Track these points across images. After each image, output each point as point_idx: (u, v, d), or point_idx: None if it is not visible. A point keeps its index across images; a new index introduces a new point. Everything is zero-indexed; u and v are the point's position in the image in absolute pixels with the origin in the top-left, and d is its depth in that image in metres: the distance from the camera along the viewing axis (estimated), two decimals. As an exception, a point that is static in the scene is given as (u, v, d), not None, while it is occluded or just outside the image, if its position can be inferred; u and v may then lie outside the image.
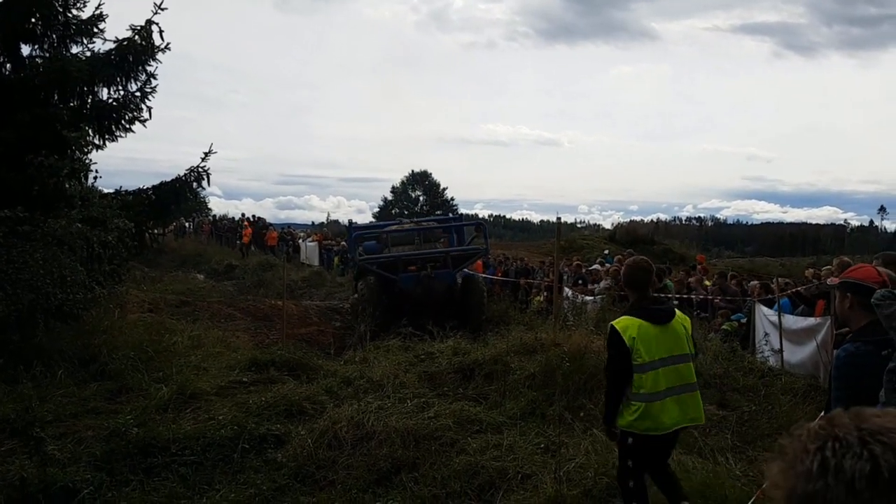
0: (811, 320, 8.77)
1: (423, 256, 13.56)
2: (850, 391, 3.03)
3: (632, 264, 4.38)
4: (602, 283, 14.74)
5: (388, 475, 5.37)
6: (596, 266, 18.87)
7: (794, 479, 0.87)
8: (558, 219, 12.45)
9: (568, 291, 14.22)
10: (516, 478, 5.16)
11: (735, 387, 7.37)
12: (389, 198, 63.09)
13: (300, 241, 31.68)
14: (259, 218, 34.67)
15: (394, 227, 15.90)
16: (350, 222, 21.82)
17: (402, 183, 62.85)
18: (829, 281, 5.09)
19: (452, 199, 61.09)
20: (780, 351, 8.79)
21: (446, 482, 5.17)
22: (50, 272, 7.52)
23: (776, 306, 9.51)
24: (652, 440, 4.13)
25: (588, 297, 13.43)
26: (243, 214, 36.22)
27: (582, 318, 10.38)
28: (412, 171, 63.03)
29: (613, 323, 4.19)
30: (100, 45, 9.72)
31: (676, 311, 4.31)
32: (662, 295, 12.72)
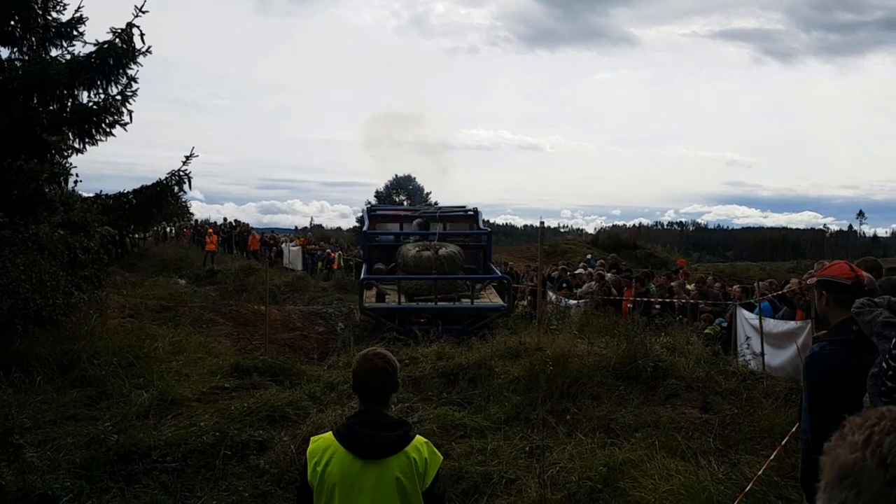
0: (791, 324, 8.85)
1: (437, 312, 13.04)
2: (816, 391, 3.06)
3: (361, 359, 2.76)
4: (585, 286, 14.81)
5: (371, 481, 5.34)
6: (580, 270, 18.97)
7: (842, 448, 0.91)
8: (542, 223, 12.44)
9: (552, 296, 14.27)
10: (500, 482, 5.16)
11: (717, 390, 7.41)
12: (373, 202, 63.06)
13: (283, 245, 31.54)
14: (240, 222, 34.53)
15: (411, 252, 14.36)
16: (368, 208, 21.87)
17: (386, 187, 62.86)
18: (808, 281, 5.16)
19: (436, 203, 61.19)
20: (762, 354, 8.86)
21: (430, 487, 5.15)
22: (29, 277, 7.43)
23: (757, 310, 9.59)
24: None
25: (572, 301, 13.49)
26: (225, 219, 36.06)
27: (566, 322, 10.40)
28: (396, 175, 63.12)
29: (312, 439, 2.72)
30: (80, 48, 9.65)
31: (416, 446, 2.64)
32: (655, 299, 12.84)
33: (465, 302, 13.80)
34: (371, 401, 2.70)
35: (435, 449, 2.70)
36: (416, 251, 14.36)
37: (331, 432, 2.68)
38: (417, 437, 2.67)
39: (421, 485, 2.58)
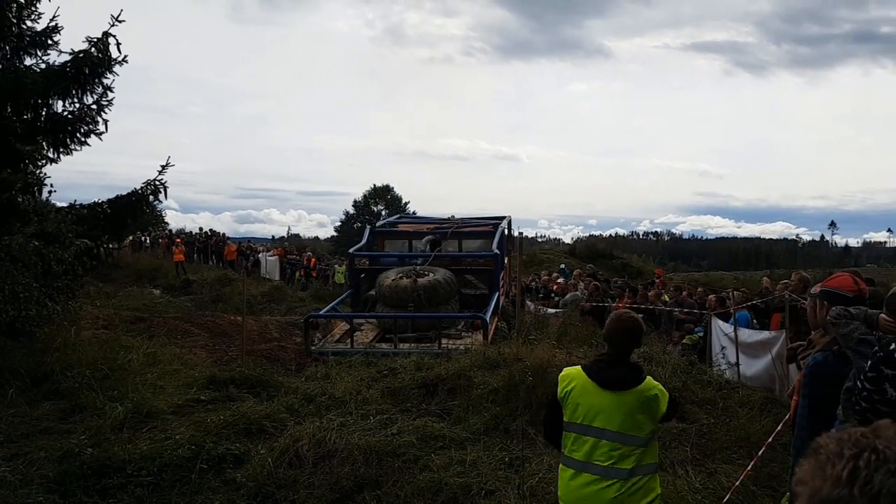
0: (766, 333, 8.97)
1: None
2: (814, 400, 3.10)
3: (615, 318, 3.58)
4: (569, 296, 14.87)
5: (350, 494, 5.31)
6: (560, 280, 19.10)
7: (821, 480, 0.85)
8: (520, 233, 12.50)
9: (530, 304, 14.32)
10: (480, 494, 5.15)
11: (693, 399, 7.48)
12: (351, 212, 62.93)
13: (260, 255, 31.31)
14: (216, 232, 34.22)
15: (388, 280, 12.87)
16: (373, 224, 18.30)
17: (364, 197, 62.80)
18: (812, 290, 5.24)
19: (415, 213, 61.18)
20: (737, 364, 8.96)
21: (410, 500, 5.13)
22: (2, 288, 7.31)
23: (732, 319, 9.70)
24: None
25: (550, 310, 13.55)
26: (201, 228, 35.73)
27: (545, 331, 10.44)
28: (374, 185, 63.11)
29: (566, 369, 3.62)
30: (55, 57, 9.52)
31: (649, 384, 3.44)
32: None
33: (450, 342, 11.16)
34: (617, 349, 3.47)
35: (662, 388, 3.48)
36: (393, 278, 12.80)
37: (579, 367, 3.54)
38: (648, 378, 3.46)
39: (653, 416, 3.39)
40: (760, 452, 5.05)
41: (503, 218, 16.32)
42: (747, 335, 9.27)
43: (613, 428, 3.34)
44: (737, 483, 4.85)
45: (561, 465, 3.53)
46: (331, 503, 5.18)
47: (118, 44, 9.45)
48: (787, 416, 5.08)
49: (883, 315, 2.92)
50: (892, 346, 2.63)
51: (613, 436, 3.34)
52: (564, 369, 3.61)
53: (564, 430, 3.49)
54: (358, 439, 5.97)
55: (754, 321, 10.52)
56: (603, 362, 3.49)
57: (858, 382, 2.67)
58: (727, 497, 4.53)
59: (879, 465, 0.82)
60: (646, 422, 3.36)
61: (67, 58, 9.37)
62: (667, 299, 13.67)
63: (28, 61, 9.44)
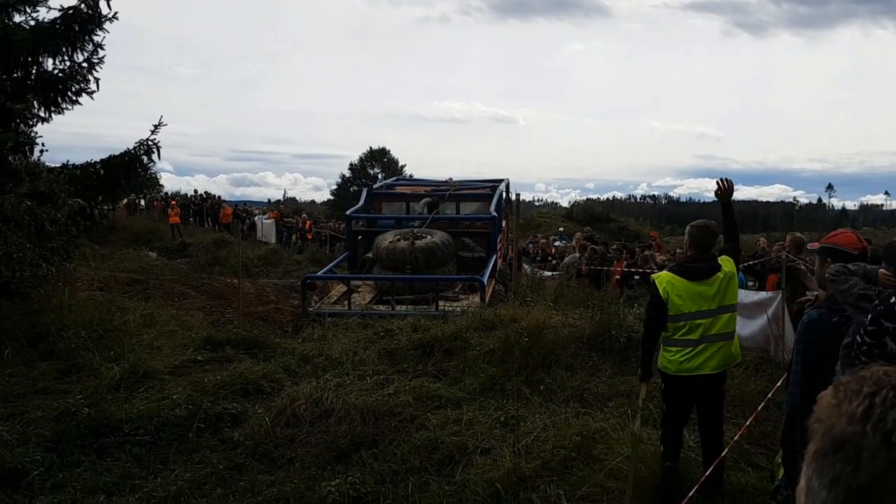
0: (762, 294, 8.96)
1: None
2: (808, 357, 3.08)
3: (695, 225, 4.73)
4: (568, 258, 14.85)
5: (347, 452, 5.34)
6: (558, 243, 19.09)
7: (836, 417, 0.83)
8: (517, 195, 12.44)
9: (527, 267, 14.32)
10: (476, 452, 5.19)
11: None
12: (348, 175, 62.62)
13: (256, 218, 31.21)
14: (211, 195, 34.06)
15: (385, 243, 12.83)
16: (370, 186, 18.03)
17: (361, 160, 62.44)
18: (809, 246, 5.27)
19: (411, 176, 60.94)
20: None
21: (406, 458, 5.17)
22: (-6, 249, 7.26)
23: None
24: (679, 381, 4.59)
25: (547, 273, 13.55)
26: (196, 191, 35.57)
27: (540, 293, 10.44)
28: (370, 147, 62.71)
29: (653, 276, 4.77)
30: (44, 14, 9.35)
31: (721, 265, 4.57)
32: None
33: (448, 304, 11.15)
34: (700, 251, 4.64)
35: (726, 258, 4.66)
36: (391, 241, 12.81)
37: (667, 272, 4.70)
38: (720, 259, 4.61)
39: (731, 282, 4.60)
40: (758, 409, 5.08)
41: (501, 181, 16.27)
42: (743, 296, 9.25)
43: (715, 306, 4.49)
44: (733, 440, 4.88)
45: (670, 348, 4.58)
46: (328, 461, 5.21)
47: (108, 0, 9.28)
48: (784, 376, 5.10)
49: (882, 269, 2.90)
50: (893, 300, 2.61)
51: (719, 310, 4.51)
52: (655, 275, 4.76)
53: (672, 321, 4.52)
54: (355, 399, 5.99)
55: (749, 283, 10.53)
56: (693, 262, 4.63)
57: (858, 337, 2.65)
58: (724, 454, 4.56)
59: (895, 402, 0.79)
60: (734, 290, 4.61)
61: (57, 14, 9.21)
62: (663, 260, 13.65)
63: (17, 18, 9.27)
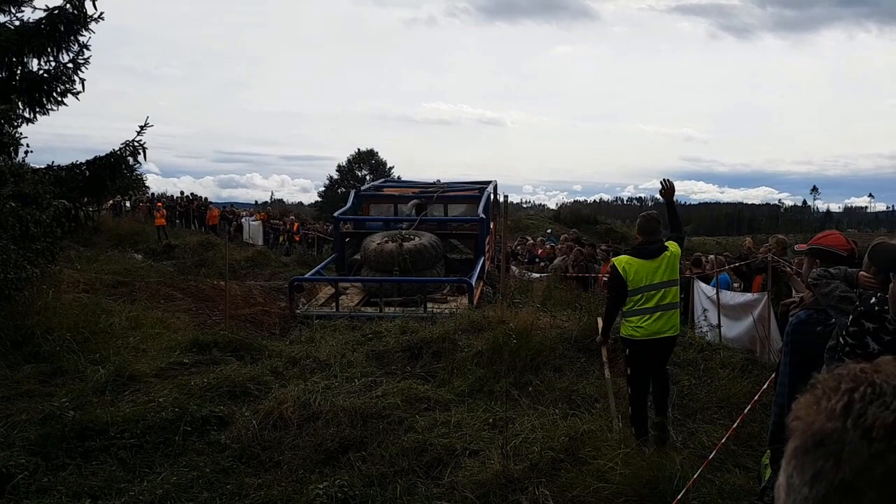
0: (748, 296, 9.04)
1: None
2: (797, 357, 3.11)
3: (642, 216, 5.87)
4: (557, 260, 14.89)
5: (335, 454, 5.33)
6: (547, 245, 19.15)
7: (815, 414, 0.82)
8: (505, 197, 12.44)
9: (515, 269, 14.34)
10: (464, 454, 5.18)
11: (675, 361, 7.55)
12: (335, 176, 62.46)
13: (243, 219, 31.06)
14: (197, 196, 33.88)
15: (373, 244, 12.79)
16: (357, 188, 17.92)
17: (349, 161, 62.28)
18: (796, 247, 5.31)
19: (399, 178, 60.88)
20: (718, 326, 9.04)
21: (394, 460, 5.16)
22: (-23, 251, 7.18)
23: (714, 282, 9.77)
24: (642, 345, 5.51)
25: (535, 275, 13.57)
26: (182, 192, 35.36)
27: (528, 295, 10.46)
28: (358, 149, 62.56)
29: (613, 259, 5.94)
30: (29, 14, 9.28)
31: (668, 247, 5.59)
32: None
33: (436, 306, 11.07)
34: (648, 235, 5.66)
35: (671, 241, 5.73)
36: (379, 242, 12.81)
37: (625, 255, 5.74)
38: (668, 241, 5.68)
39: (676, 259, 5.63)
40: (746, 411, 5.11)
41: (489, 183, 16.33)
42: (729, 297, 9.35)
43: (665, 279, 5.48)
44: (721, 441, 4.91)
45: (631, 318, 5.52)
46: (316, 464, 5.19)
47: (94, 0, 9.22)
48: (771, 376, 5.13)
49: (862, 272, 2.93)
50: (873, 301, 2.64)
51: (668, 283, 5.49)
52: (614, 258, 5.92)
53: (631, 295, 5.47)
54: (343, 401, 5.97)
55: (735, 285, 10.60)
56: (644, 245, 5.64)
57: (841, 339, 2.68)
58: (711, 455, 4.59)
59: (875, 398, 0.79)
60: (677, 267, 5.64)
61: (42, 14, 9.14)
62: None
63: (1, 18, 9.20)
